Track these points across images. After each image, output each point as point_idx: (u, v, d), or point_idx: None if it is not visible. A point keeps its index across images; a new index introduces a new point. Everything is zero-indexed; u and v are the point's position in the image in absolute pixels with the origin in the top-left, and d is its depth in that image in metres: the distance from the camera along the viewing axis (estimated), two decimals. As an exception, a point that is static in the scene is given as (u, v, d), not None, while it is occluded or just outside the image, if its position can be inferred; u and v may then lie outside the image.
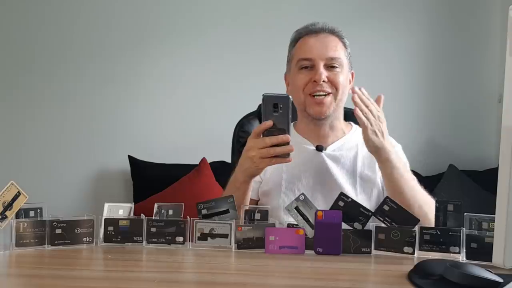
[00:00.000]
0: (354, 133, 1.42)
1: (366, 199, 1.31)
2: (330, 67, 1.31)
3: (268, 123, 1.10)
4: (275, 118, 1.10)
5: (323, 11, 2.81)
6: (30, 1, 2.85)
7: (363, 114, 1.17)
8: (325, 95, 1.31)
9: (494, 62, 2.89)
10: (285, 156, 1.11)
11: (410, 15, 2.91)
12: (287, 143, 1.10)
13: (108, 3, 2.87)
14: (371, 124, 1.17)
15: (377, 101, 1.25)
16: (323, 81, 1.29)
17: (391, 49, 2.90)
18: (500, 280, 0.78)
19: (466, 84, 2.92)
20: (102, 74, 2.86)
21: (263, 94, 1.12)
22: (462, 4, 2.92)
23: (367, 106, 1.19)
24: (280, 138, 1.10)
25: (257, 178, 1.37)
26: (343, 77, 1.33)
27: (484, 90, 2.91)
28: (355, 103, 1.18)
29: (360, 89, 1.21)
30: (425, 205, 1.19)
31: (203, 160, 2.65)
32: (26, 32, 2.85)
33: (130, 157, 2.74)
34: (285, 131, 1.10)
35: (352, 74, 1.40)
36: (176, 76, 2.87)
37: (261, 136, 1.12)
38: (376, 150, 1.19)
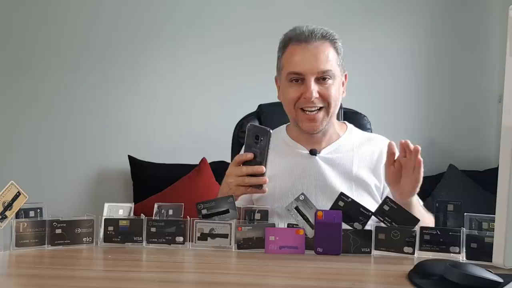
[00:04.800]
0: (350, 134, 1.40)
1: (362, 203, 1.30)
2: (321, 79, 1.27)
3: (249, 156, 1.14)
4: (255, 150, 1.13)
5: (324, 11, 2.81)
6: (30, 1, 2.85)
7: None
8: (317, 110, 1.28)
9: (494, 62, 2.90)
10: (259, 187, 1.15)
11: (410, 15, 2.91)
12: (262, 174, 1.13)
13: (110, 5, 2.86)
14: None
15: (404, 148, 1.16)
16: (315, 97, 1.26)
17: (391, 49, 2.90)
18: (500, 280, 0.78)
19: (466, 84, 2.92)
20: (102, 74, 2.86)
21: (248, 124, 1.15)
22: (462, 4, 2.92)
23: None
24: (255, 168, 1.13)
25: None
26: (335, 88, 1.29)
27: (484, 90, 2.91)
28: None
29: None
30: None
31: (203, 160, 2.65)
32: (26, 32, 2.85)
33: (130, 157, 2.74)
34: (262, 163, 1.13)
35: (345, 76, 1.36)
36: (176, 77, 2.87)
37: (241, 165, 1.15)
38: (410, 197, 1.15)
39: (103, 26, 2.86)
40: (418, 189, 1.14)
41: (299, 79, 1.28)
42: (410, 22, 2.91)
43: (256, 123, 1.61)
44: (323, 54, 1.27)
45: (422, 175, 1.11)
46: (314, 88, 1.26)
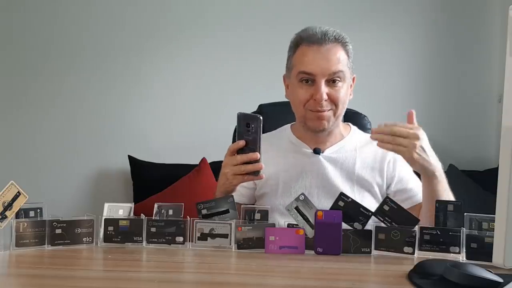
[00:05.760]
0: (353, 135, 1.41)
1: (363, 202, 1.30)
2: (331, 81, 1.28)
3: (241, 143, 1.13)
4: (247, 137, 1.13)
5: (325, 11, 2.81)
6: (31, 3, 2.85)
7: (391, 145, 1.13)
8: (326, 110, 1.29)
9: (494, 62, 2.89)
10: (255, 174, 1.14)
11: (410, 15, 2.90)
12: (257, 161, 1.12)
13: (109, 5, 2.86)
14: (405, 146, 1.12)
15: (409, 117, 1.21)
16: (324, 99, 1.27)
17: (391, 49, 2.90)
18: (500, 280, 0.78)
19: (466, 84, 2.92)
20: (102, 74, 2.86)
21: (238, 113, 1.15)
22: (462, 4, 2.92)
23: (393, 134, 1.14)
24: (249, 156, 1.12)
25: (250, 184, 1.38)
26: (344, 90, 1.29)
27: (484, 90, 2.91)
28: (375, 139, 1.15)
29: (378, 126, 1.17)
30: None
31: (203, 160, 2.65)
32: (27, 32, 2.85)
33: (130, 157, 2.74)
34: (255, 150, 1.12)
35: (353, 78, 1.36)
36: (176, 76, 2.87)
37: (235, 154, 1.14)
38: (423, 168, 1.16)
39: (103, 26, 2.86)
40: (416, 157, 1.13)
41: (309, 79, 1.28)
42: (410, 22, 2.91)
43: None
44: (335, 56, 1.27)
45: (390, 148, 1.14)
46: (324, 90, 1.26)
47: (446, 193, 1.18)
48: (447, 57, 2.91)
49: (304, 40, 1.30)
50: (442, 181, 1.18)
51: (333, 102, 1.28)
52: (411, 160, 1.15)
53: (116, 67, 2.85)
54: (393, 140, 1.13)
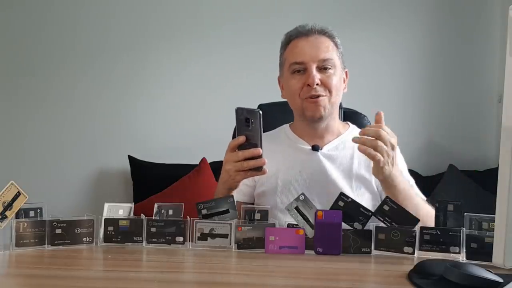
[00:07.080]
0: (351, 133, 1.42)
1: (362, 200, 1.31)
2: (322, 69, 1.30)
3: (241, 139, 1.12)
4: (247, 133, 1.12)
5: (324, 11, 2.81)
6: (31, 3, 2.85)
7: (374, 150, 1.10)
8: (321, 96, 1.30)
9: (494, 62, 2.90)
10: (258, 169, 1.13)
11: (411, 15, 2.91)
12: (259, 157, 1.11)
13: (108, 4, 2.86)
14: (383, 156, 1.10)
15: (377, 119, 1.14)
16: (317, 84, 1.28)
17: (391, 49, 2.90)
18: (500, 280, 0.78)
19: (466, 84, 2.92)
20: (102, 74, 2.86)
21: (236, 108, 1.13)
22: (462, 4, 2.92)
23: (378, 137, 1.10)
24: (252, 151, 1.11)
25: (250, 182, 1.39)
26: (336, 78, 1.31)
27: (484, 90, 2.91)
28: (356, 142, 1.11)
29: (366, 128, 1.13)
30: (426, 219, 1.13)
31: (203, 160, 2.65)
32: (27, 33, 2.85)
33: (130, 157, 2.74)
34: (257, 145, 1.11)
35: (346, 72, 1.39)
36: (176, 76, 2.87)
37: (236, 150, 1.14)
38: (384, 179, 1.15)
39: (103, 26, 2.86)
40: (386, 170, 1.12)
41: (301, 69, 1.31)
42: (410, 22, 2.91)
43: None
44: (323, 44, 1.32)
45: (371, 153, 1.10)
46: (316, 75, 1.28)
47: (408, 202, 1.15)
48: (447, 57, 2.91)
49: (293, 36, 1.35)
50: (403, 190, 1.17)
51: (327, 87, 1.30)
52: (379, 170, 1.13)
53: (116, 68, 2.86)
54: (377, 147, 1.10)
